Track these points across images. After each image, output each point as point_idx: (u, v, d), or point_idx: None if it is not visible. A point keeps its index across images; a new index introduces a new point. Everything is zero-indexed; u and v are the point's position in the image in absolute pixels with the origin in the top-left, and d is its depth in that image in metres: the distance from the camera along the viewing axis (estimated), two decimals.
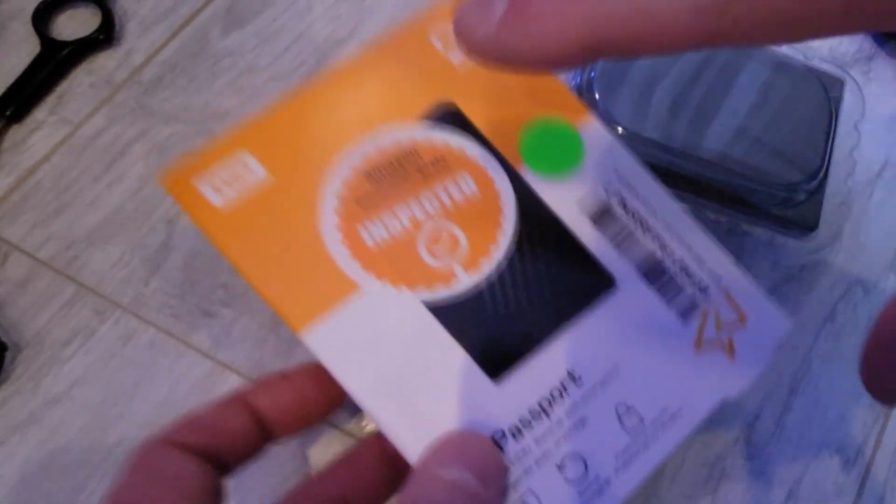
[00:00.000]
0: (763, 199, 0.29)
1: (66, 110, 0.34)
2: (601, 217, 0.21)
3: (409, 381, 0.19)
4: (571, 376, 0.20)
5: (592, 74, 0.28)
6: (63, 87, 0.34)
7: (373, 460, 0.22)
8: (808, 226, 0.29)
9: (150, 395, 0.29)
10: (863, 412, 0.30)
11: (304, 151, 0.21)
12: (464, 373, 0.20)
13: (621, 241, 0.21)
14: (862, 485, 0.29)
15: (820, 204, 0.29)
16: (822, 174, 0.29)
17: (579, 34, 0.14)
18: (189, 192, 0.20)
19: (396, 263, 0.20)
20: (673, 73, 0.29)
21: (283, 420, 0.21)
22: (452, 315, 0.20)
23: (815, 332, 0.31)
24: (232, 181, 0.20)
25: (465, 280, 0.20)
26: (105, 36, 0.34)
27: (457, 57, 0.22)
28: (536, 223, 0.21)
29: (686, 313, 0.21)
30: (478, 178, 0.21)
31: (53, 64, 0.34)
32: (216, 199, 0.20)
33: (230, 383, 0.29)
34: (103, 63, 0.35)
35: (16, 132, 0.33)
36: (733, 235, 0.29)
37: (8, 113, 0.33)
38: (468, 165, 0.21)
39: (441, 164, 0.21)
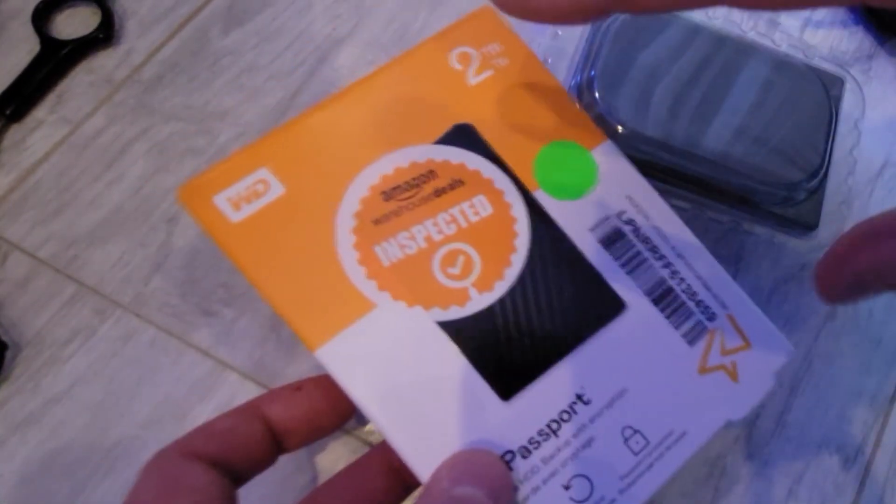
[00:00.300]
0: (763, 197, 0.29)
1: (65, 109, 0.33)
2: (613, 242, 0.22)
3: (421, 399, 0.19)
4: (580, 398, 0.20)
5: (593, 73, 0.28)
6: (63, 86, 0.34)
7: (378, 472, 0.22)
8: (808, 225, 0.29)
9: (151, 395, 0.29)
10: (863, 411, 0.30)
11: (324, 169, 0.21)
12: (475, 392, 0.20)
13: (632, 266, 0.22)
14: (862, 483, 0.29)
15: (820, 203, 0.29)
16: (822, 173, 0.29)
17: None
18: (208, 209, 0.20)
19: (412, 284, 0.20)
20: (674, 72, 0.29)
21: (296, 430, 0.21)
22: (465, 335, 0.20)
23: (816, 332, 0.31)
24: (251, 198, 0.20)
25: (478, 301, 0.20)
26: (105, 35, 0.34)
27: (475, 78, 0.22)
28: (550, 246, 0.21)
29: (693, 338, 0.22)
30: (493, 201, 0.21)
31: (53, 63, 0.34)
32: (235, 216, 0.20)
33: (231, 382, 0.29)
34: (103, 62, 0.35)
35: (16, 131, 0.33)
36: (734, 234, 0.29)
37: (8, 112, 0.33)
38: (484, 187, 0.21)
39: (458, 186, 0.21)
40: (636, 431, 0.20)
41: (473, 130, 0.22)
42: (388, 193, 0.21)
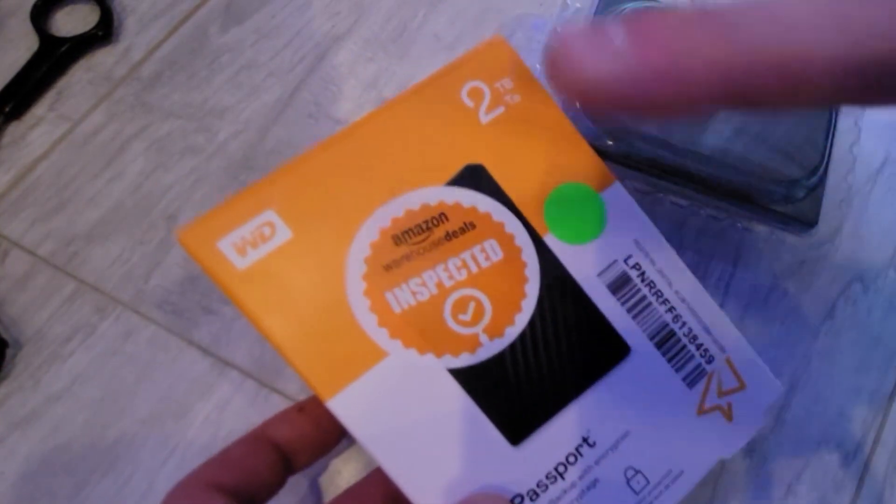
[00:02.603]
0: (763, 195, 0.29)
1: (65, 107, 0.33)
2: (620, 287, 0.22)
3: (432, 446, 0.19)
4: (586, 441, 0.21)
5: None
6: (62, 83, 0.34)
7: (376, 499, 0.22)
8: (807, 222, 0.29)
9: (151, 392, 0.29)
10: (862, 408, 0.30)
11: (332, 212, 0.20)
12: (486, 438, 0.20)
13: (637, 311, 0.22)
14: (861, 481, 0.29)
15: (820, 200, 0.29)
16: (821, 170, 0.29)
17: (723, 75, 0.11)
18: (212, 254, 0.19)
19: (423, 331, 0.20)
20: None
21: (303, 450, 0.21)
22: (475, 381, 0.20)
23: (815, 329, 0.31)
24: (257, 242, 0.19)
25: (489, 347, 0.20)
26: (104, 32, 0.34)
27: (486, 116, 0.22)
28: (559, 291, 0.21)
29: (692, 380, 0.22)
30: (504, 245, 0.21)
31: (52, 60, 0.34)
32: (241, 263, 0.19)
33: (230, 380, 0.29)
34: (102, 59, 0.35)
35: (15, 129, 0.33)
36: (733, 231, 0.29)
37: (7, 109, 0.33)
38: (495, 232, 0.21)
39: (469, 230, 0.21)
40: (637, 472, 0.21)
41: (485, 172, 0.21)
42: (399, 237, 0.20)
